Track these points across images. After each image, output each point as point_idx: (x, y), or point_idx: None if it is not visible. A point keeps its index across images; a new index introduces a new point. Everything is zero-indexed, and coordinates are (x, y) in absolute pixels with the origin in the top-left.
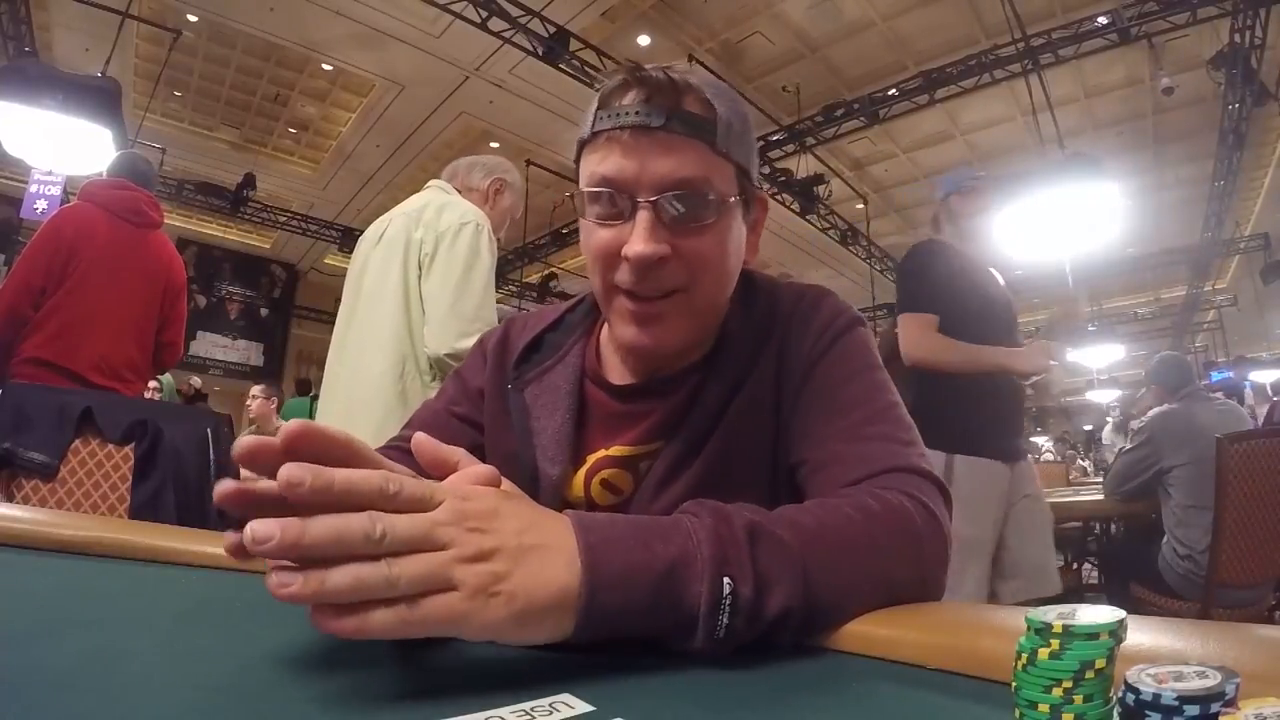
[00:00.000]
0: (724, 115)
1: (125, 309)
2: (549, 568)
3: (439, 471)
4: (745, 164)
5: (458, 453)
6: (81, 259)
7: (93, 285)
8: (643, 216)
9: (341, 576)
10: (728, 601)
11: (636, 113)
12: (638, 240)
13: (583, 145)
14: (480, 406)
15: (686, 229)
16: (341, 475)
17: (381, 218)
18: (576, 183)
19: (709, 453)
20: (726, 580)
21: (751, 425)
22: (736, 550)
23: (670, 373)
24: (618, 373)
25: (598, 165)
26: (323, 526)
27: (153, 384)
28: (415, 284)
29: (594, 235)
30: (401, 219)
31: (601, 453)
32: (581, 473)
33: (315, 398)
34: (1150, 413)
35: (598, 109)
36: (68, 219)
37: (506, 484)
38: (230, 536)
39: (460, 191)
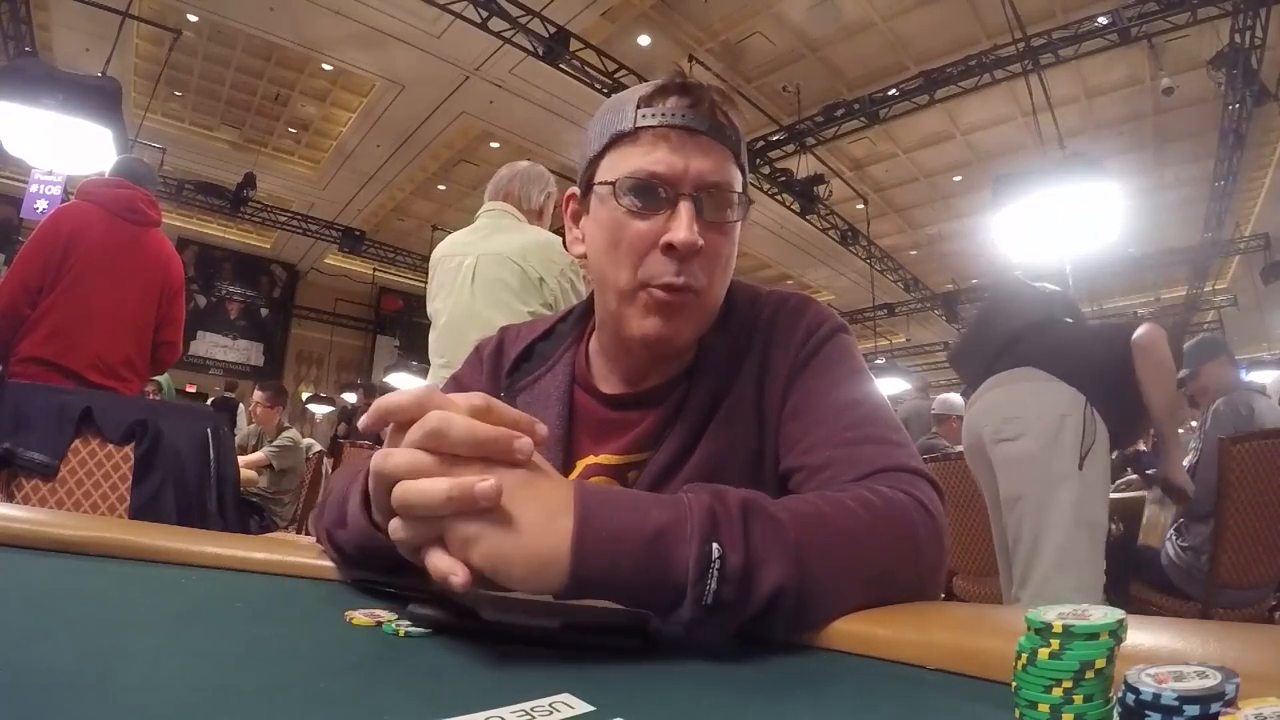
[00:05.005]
0: (742, 132)
1: (122, 307)
2: (531, 502)
3: None
4: (745, 179)
5: None
6: (78, 257)
7: (89, 283)
8: (685, 207)
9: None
10: (716, 566)
11: (684, 115)
12: (683, 228)
13: (616, 139)
14: None
15: (713, 226)
16: (386, 401)
17: (453, 248)
18: (575, 180)
19: (694, 462)
20: (715, 545)
21: (735, 434)
22: (728, 522)
23: (657, 383)
24: (607, 382)
25: (642, 158)
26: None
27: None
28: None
29: (628, 227)
30: (492, 259)
31: (591, 459)
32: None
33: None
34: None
35: (640, 107)
36: (65, 217)
37: None
38: None
39: (526, 215)
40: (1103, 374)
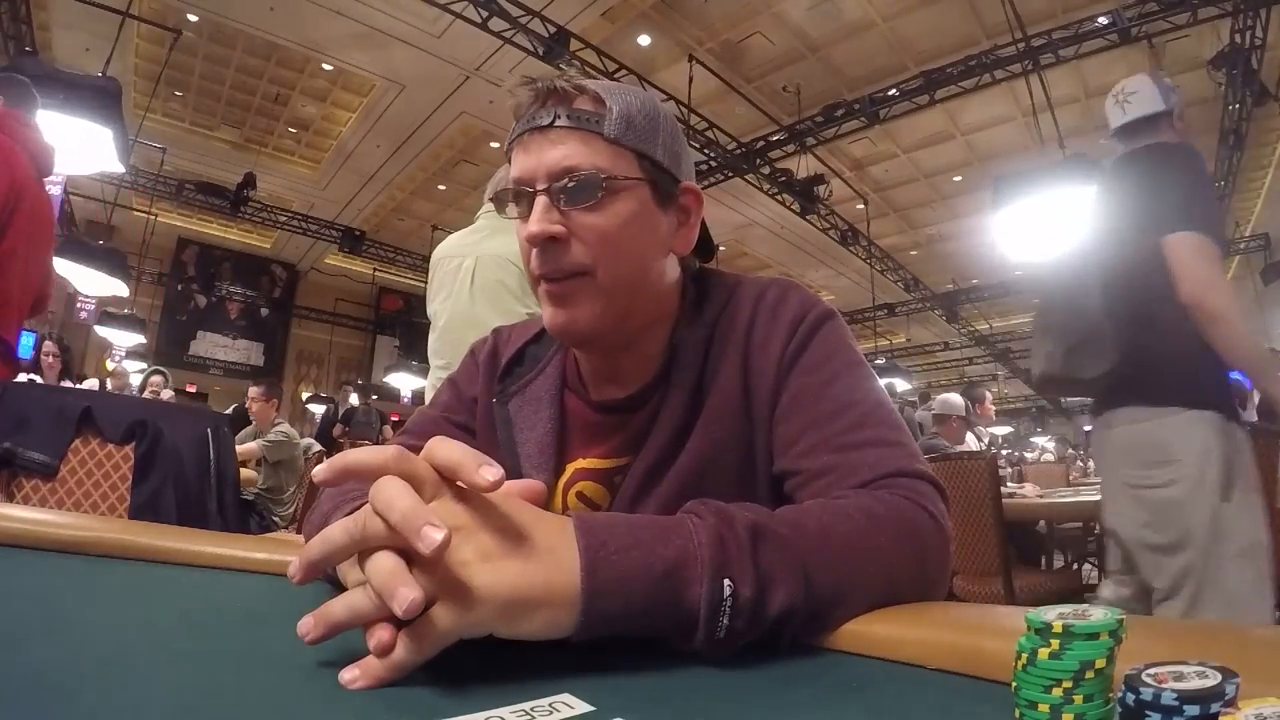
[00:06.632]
0: (618, 109)
1: (35, 278)
2: (534, 562)
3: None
4: (649, 152)
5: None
6: (20, 214)
7: (25, 246)
8: (538, 201)
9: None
10: (728, 604)
11: (532, 118)
12: (531, 222)
13: (511, 162)
14: (474, 414)
15: (578, 209)
16: (352, 457)
17: (452, 249)
18: None
19: (680, 464)
20: (727, 582)
21: (722, 434)
22: (738, 551)
23: (640, 384)
24: (593, 383)
25: (512, 170)
26: (313, 542)
27: (157, 379)
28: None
29: (520, 232)
30: (491, 261)
31: (580, 462)
32: (560, 485)
33: None
34: None
35: (512, 128)
36: (13, 160)
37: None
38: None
39: None
40: (1182, 345)
